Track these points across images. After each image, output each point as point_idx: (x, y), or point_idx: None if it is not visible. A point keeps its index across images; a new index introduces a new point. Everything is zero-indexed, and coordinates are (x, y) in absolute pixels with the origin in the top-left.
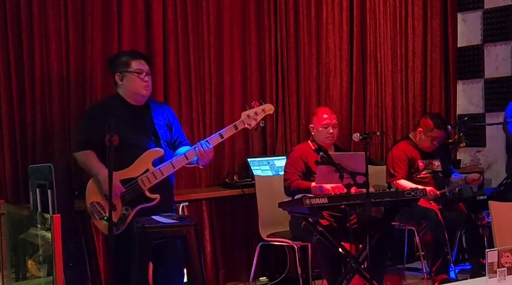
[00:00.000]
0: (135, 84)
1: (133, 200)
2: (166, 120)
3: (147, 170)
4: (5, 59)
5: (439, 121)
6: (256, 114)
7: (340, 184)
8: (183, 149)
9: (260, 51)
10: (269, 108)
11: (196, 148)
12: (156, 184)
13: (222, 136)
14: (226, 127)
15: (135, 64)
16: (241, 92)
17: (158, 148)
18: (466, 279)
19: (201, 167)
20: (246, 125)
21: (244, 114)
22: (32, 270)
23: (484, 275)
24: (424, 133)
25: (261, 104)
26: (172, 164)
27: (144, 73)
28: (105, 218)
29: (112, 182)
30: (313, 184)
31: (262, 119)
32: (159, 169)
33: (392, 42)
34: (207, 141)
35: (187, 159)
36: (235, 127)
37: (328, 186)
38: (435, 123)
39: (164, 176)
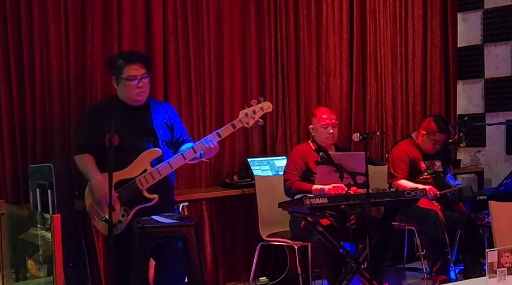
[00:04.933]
0: (128, 90)
1: (132, 200)
2: (167, 119)
3: (145, 171)
4: (5, 59)
5: (443, 124)
6: (254, 112)
7: (341, 185)
8: (183, 147)
9: (260, 51)
10: (267, 106)
11: (195, 147)
12: (156, 184)
13: (219, 135)
14: (224, 126)
15: (128, 71)
16: (241, 92)
17: (156, 148)
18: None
19: (205, 160)
20: (244, 124)
21: (242, 113)
22: (32, 270)
23: (479, 275)
24: (427, 136)
25: (259, 102)
26: (170, 164)
27: (138, 80)
28: (104, 219)
29: (112, 182)
30: (315, 186)
31: (260, 117)
32: (156, 169)
33: (392, 42)
34: (206, 140)
35: (185, 159)
36: (233, 126)
37: (328, 188)
38: (439, 127)
39: (162, 177)
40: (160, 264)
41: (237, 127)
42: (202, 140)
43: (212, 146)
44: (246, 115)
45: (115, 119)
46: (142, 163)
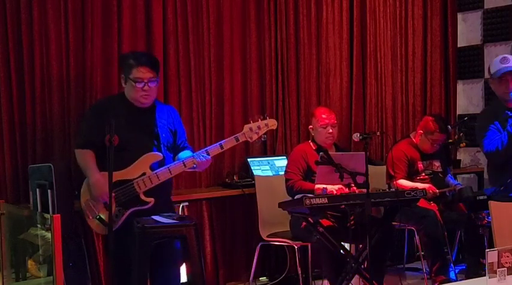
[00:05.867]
0: (133, 92)
1: (128, 202)
2: (171, 124)
3: (144, 174)
4: (5, 59)
5: (441, 124)
6: (259, 128)
7: (343, 187)
8: (183, 154)
9: (260, 51)
10: (272, 124)
11: (195, 157)
12: (154, 187)
13: (222, 147)
14: (227, 139)
15: (135, 73)
16: (241, 92)
17: (157, 152)
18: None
19: (198, 171)
20: (247, 138)
21: (246, 127)
22: (32, 270)
23: (481, 275)
24: (425, 135)
25: (264, 118)
26: (169, 170)
27: (144, 83)
28: (98, 217)
29: (112, 182)
30: (317, 186)
31: (264, 134)
32: (155, 173)
33: (392, 42)
34: (206, 151)
35: (185, 166)
36: (236, 140)
37: (331, 188)
38: (436, 126)
39: (160, 182)
40: (159, 264)
41: (240, 141)
42: (198, 153)
43: (204, 160)
44: (251, 129)
45: (118, 118)
46: (142, 165)
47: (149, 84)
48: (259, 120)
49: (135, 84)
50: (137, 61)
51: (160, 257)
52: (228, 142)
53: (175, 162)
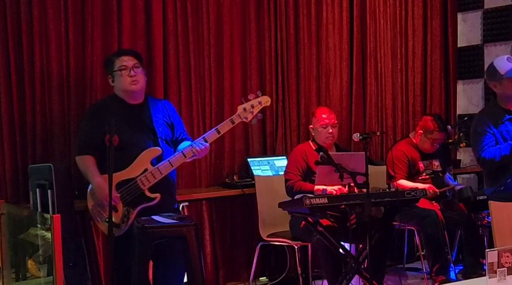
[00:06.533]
0: (122, 81)
1: (134, 200)
2: (167, 117)
3: (145, 170)
4: (5, 59)
5: (440, 123)
6: (252, 106)
7: (342, 187)
8: (182, 145)
9: (260, 51)
10: (266, 100)
11: (194, 146)
12: (157, 183)
13: (219, 132)
14: (223, 122)
15: (118, 62)
16: (241, 92)
17: (156, 147)
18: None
19: (198, 158)
20: (242, 119)
21: (240, 108)
22: (32, 270)
23: (481, 275)
24: (424, 135)
25: (257, 96)
26: (170, 162)
27: (129, 69)
28: (106, 220)
29: (112, 182)
30: (317, 187)
31: (259, 112)
32: (157, 168)
33: (392, 42)
34: (204, 138)
35: (185, 157)
36: (232, 122)
37: (331, 189)
38: (435, 125)
39: (163, 175)
40: (161, 264)
41: (236, 122)
42: (196, 142)
43: (203, 147)
44: (245, 110)
45: (115, 118)
46: (143, 162)
47: (134, 69)
48: (252, 99)
49: (121, 72)
50: (117, 54)
51: (162, 257)
52: (224, 126)
53: (174, 154)
